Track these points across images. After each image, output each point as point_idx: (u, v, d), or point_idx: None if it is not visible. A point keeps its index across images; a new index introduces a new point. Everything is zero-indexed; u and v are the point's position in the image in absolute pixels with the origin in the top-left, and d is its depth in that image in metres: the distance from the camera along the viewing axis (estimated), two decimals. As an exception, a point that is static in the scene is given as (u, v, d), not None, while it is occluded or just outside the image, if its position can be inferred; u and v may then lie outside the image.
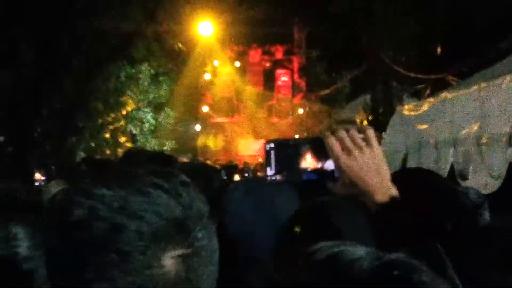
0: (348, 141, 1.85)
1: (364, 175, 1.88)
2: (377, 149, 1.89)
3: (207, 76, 38.14)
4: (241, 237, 2.34)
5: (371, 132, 1.90)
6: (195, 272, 1.09)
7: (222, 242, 1.41)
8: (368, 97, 23.92)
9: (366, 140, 1.87)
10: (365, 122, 26.10)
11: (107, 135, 20.94)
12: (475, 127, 4.01)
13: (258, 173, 10.30)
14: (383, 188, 1.90)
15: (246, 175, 10.37)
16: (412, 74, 14.92)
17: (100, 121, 20.19)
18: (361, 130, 1.88)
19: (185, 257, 1.06)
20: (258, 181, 4.02)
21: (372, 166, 1.88)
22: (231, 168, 11.19)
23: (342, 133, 1.84)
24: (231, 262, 1.98)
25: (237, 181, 6.38)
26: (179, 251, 1.05)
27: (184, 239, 1.06)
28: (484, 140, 3.90)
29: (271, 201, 2.44)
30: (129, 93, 21.75)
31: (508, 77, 3.70)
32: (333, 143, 1.84)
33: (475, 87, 4.18)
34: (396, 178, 3.44)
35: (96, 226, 1.01)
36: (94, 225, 1.01)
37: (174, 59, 24.17)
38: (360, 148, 1.85)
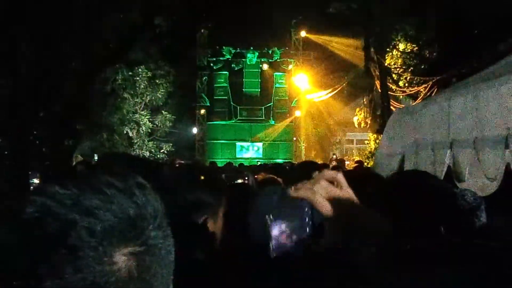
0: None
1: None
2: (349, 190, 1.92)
3: (204, 79, 38.13)
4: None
5: (340, 177, 1.92)
6: (148, 270, 1.10)
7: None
8: (365, 99, 23.95)
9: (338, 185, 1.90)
10: (362, 124, 26.23)
11: (104, 138, 20.93)
12: (471, 130, 4.02)
13: (256, 176, 10.26)
14: None
15: (247, 178, 10.40)
16: (410, 76, 14.95)
17: (97, 123, 20.20)
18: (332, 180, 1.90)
19: (137, 254, 1.07)
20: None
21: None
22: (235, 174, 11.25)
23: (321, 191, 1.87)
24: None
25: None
26: (131, 249, 1.06)
27: (136, 237, 1.08)
28: (480, 142, 3.91)
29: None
30: (125, 95, 21.77)
31: (505, 80, 3.72)
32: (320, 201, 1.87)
33: (472, 89, 4.20)
34: (394, 180, 3.48)
35: (47, 223, 1.02)
36: (45, 221, 1.02)
37: (172, 61, 24.18)
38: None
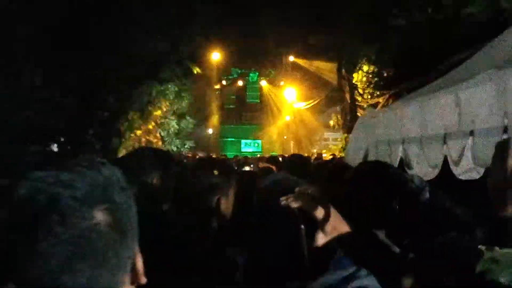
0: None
1: None
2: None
3: (217, 92, 38.41)
4: None
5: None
6: (120, 221, 1.12)
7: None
8: (338, 107, 24.04)
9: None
10: (336, 126, 26.33)
11: (142, 137, 20.99)
12: (418, 130, 4.01)
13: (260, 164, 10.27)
14: None
15: (252, 166, 10.37)
16: (371, 90, 14.94)
17: (136, 126, 20.28)
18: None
19: (110, 210, 1.10)
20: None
21: None
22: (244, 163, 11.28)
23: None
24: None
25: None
26: (104, 206, 1.09)
27: (107, 199, 1.11)
28: (424, 139, 3.92)
29: None
30: (158, 105, 21.84)
31: (442, 92, 3.72)
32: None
33: (418, 99, 4.20)
34: (360, 168, 3.47)
35: (37, 198, 1.04)
36: (35, 197, 1.04)
37: (192, 79, 24.20)
38: None
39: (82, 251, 1.06)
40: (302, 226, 1.87)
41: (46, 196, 1.05)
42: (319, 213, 1.93)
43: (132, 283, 1.18)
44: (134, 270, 1.18)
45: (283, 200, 1.86)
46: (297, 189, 1.92)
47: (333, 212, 1.98)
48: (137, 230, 1.20)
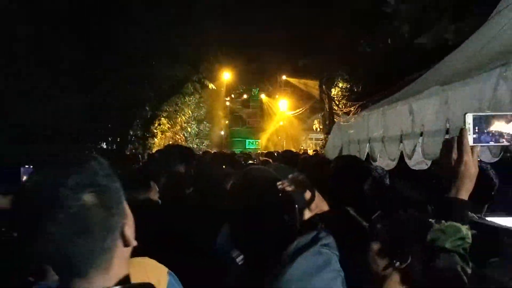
0: None
1: None
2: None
3: (227, 103, 38.46)
4: None
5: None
6: (105, 200, 1.12)
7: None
8: (320, 115, 24.03)
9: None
10: (318, 129, 26.38)
11: (170, 138, 21.06)
12: (380, 132, 4.00)
13: (260, 158, 10.23)
14: None
15: (255, 159, 10.32)
16: (345, 102, 14.93)
17: (166, 129, 20.36)
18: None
19: (96, 192, 1.10)
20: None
21: None
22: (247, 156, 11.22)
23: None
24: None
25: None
26: (92, 189, 1.10)
27: (94, 184, 1.11)
28: (385, 139, 3.91)
29: None
30: (182, 113, 21.88)
31: (399, 103, 3.71)
32: None
33: (381, 108, 4.19)
34: (337, 161, 3.47)
35: (40, 190, 1.07)
36: (38, 189, 1.07)
37: (208, 93, 24.27)
38: None
39: (76, 225, 1.07)
40: (296, 206, 1.88)
41: (46, 188, 1.07)
42: (307, 195, 1.95)
43: (125, 245, 1.17)
44: (123, 236, 1.16)
45: (280, 185, 1.87)
46: (290, 176, 1.94)
47: (317, 194, 2.00)
48: (122, 205, 1.18)
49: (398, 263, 1.52)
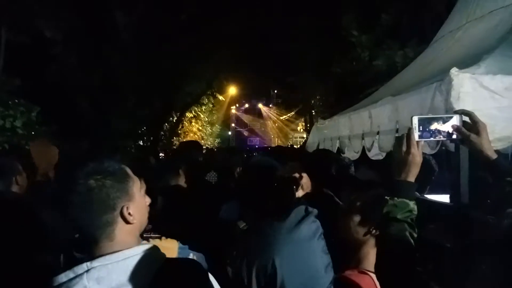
0: None
1: None
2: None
3: (233, 111, 38.39)
4: None
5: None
6: (108, 187, 1.12)
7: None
8: (303, 119, 24.06)
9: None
10: (302, 130, 26.42)
11: (191, 137, 21.13)
12: (347, 131, 3.98)
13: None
14: None
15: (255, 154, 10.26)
16: (322, 109, 14.87)
17: (187, 130, 20.46)
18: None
19: (98, 179, 1.11)
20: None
21: None
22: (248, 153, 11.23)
23: None
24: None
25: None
26: (95, 177, 1.11)
27: (97, 172, 1.12)
28: (351, 136, 3.90)
29: None
30: (199, 118, 21.97)
31: (361, 110, 3.71)
32: None
33: (348, 114, 4.18)
34: (314, 153, 3.45)
35: (64, 180, 1.21)
36: (64, 180, 1.22)
37: (218, 103, 24.26)
38: None
39: (83, 204, 1.09)
40: (294, 186, 1.88)
41: (68, 178, 1.13)
42: (300, 178, 1.96)
43: (125, 222, 1.14)
44: (122, 215, 1.13)
45: (280, 171, 1.88)
46: (289, 163, 1.95)
47: (307, 177, 2.01)
48: (126, 191, 1.15)
49: (374, 231, 1.53)
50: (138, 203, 1.18)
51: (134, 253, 1.10)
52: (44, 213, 1.98)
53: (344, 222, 1.59)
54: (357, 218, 1.56)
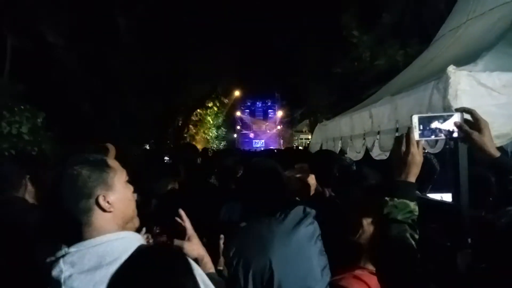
0: None
1: None
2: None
3: (238, 113, 38.47)
4: None
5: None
6: (82, 175, 1.18)
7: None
8: (307, 121, 24.09)
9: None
10: (307, 131, 26.47)
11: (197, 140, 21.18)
12: (349, 131, 3.97)
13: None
14: None
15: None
16: (325, 110, 14.88)
17: (193, 134, 20.48)
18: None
19: (77, 168, 1.18)
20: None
21: None
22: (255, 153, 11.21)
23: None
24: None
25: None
26: (76, 166, 1.18)
27: (83, 162, 1.20)
28: (353, 136, 3.88)
29: None
30: (205, 121, 21.96)
31: (363, 109, 3.69)
32: None
33: (349, 114, 4.17)
34: (317, 153, 3.43)
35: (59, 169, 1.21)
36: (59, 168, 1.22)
37: (223, 106, 24.27)
38: None
39: (66, 189, 1.15)
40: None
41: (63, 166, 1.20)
42: (309, 178, 1.96)
43: (102, 210, 1.18)
44: (98, 203, 1.17)
45: (287, 172, 1.89)
46: (297, 165, 1.96)
47: (314, 177, 2.01)
48: (104, 182, 1.20)
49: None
50: (119, 194, 1.21)
51: (109, 239, 1.14)
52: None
53: (356, 221, 1.57)
54: (369, 218, 1.56)
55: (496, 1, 3.11)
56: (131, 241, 1.15)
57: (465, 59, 2.25)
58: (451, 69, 1.90)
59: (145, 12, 10.84)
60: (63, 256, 1.11)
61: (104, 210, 1.18)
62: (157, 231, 1.59)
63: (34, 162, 2.89)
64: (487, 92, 1.83)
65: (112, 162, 1.25)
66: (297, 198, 2.04)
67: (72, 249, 1.11)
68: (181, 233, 1.43)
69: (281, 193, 1.84)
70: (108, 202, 1.18)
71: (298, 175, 1.92)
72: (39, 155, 5.96)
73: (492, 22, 2.93)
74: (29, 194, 2.47)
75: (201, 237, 1.69)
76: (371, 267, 1.53)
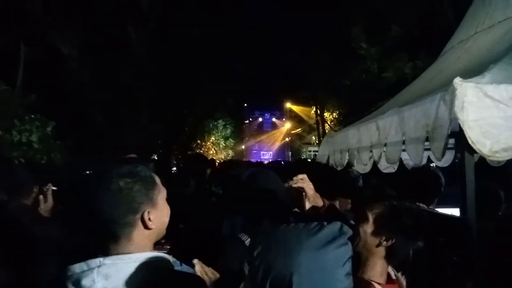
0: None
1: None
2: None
3: (246, 124, 38.62)
4: None
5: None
6: (133, 190, 1.16)
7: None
8: (315, 132, 24.03)
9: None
10: (315, 143, 26.37)
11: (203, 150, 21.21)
12: (356, 143, 3.94)
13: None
14: None
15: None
16: (334, 123, 14.84)
17: (201, 144, 20.54)
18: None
19: (129, 181, 1.16)
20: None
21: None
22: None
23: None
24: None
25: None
26: (127, 179, 1.16)
27: (131, 175, 1.17)
28: (360, 148, 3.85)
29: None
30: (213, 132, 22.05)
31: (370, 121, 3.67)
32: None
33: (356, 126, 4.14)
34: (323, 166, 3.41)
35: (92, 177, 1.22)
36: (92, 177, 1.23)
37: (232, 117, 24.41)
38: None
39: (111, 200, 1.12)
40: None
41: (99, 175, 1.18)
42: (308, 190, 1.92)
43: (144, 227, 1.17)
44: (142, 219, 1.17)
45: (289, 182, 1.87)
46: (299, 176, 1.91)
47: (313, 190, 1.95)
48: (151, 198, 1.19)
49: (385, 242, 1.50)
50: (160, 212, 1.22)
51: (145, 258, 1.14)
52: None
53: (356, 231, 1.53)
54: (369, 229, 1.53)
55: (505, 14, 3.10)
56: (162, 263, 1.18)
57: (473, 71, 2.23)
58: (457, 80, 1.88)
59: (156, 25, 11.04)
60: (98, 266, 1.08)
61: (146, 227, 1.18)
62: (162, 241, 1.59)
63: (44, 172, 2.93)
64: (494, 104, 1.81)
65: (157, 178, 1.24)
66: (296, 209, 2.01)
67: (108, 260, 1.10)
68: (186, 247, 1.45)
69: (282, 204, 1.82)
70: (149, 219, 1.18)
71: (298, 185, 1.88)
72: (48, 164, 6.01)
73: (501, 35, 2.91)
74: (37, 203, 2.50)
75: (204, 252, 1.68)
76: (369, 277, 1.49)
